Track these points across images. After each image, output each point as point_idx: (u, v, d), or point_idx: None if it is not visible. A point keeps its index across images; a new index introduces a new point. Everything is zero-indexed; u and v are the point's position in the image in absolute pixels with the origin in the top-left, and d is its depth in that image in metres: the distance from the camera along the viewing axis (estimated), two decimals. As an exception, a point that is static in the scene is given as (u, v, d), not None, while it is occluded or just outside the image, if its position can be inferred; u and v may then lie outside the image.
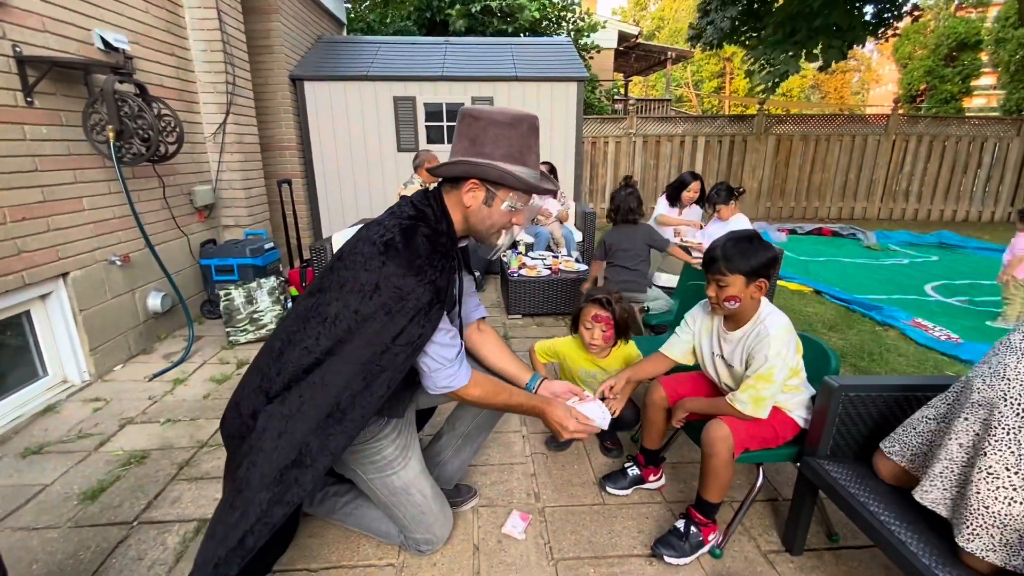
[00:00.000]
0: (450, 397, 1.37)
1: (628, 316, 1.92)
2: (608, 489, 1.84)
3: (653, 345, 2.38)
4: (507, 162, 1.24)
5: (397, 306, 1.18)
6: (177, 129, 3.05)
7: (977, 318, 3.95)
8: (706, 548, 1.57)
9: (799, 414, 1.56)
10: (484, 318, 1.65)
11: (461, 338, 1.39)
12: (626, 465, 1.88)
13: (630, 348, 2.02)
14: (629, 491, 1.84)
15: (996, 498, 1.06)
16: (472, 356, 1.61)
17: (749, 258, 1.46)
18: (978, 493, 1.08)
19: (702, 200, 3.91)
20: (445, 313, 1.28)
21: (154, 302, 3.14)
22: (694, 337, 1.73)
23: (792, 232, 7.52)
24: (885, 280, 5.09)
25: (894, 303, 4.22)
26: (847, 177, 8.56)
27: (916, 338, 3.45)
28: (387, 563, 1.53)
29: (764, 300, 1.56)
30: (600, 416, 1.45)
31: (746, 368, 1.53)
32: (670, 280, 3.45)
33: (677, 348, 1.75)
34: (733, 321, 1.58)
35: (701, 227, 3.84)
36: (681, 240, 3.69)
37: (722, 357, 1.63)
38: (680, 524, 1.57)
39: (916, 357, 3.16)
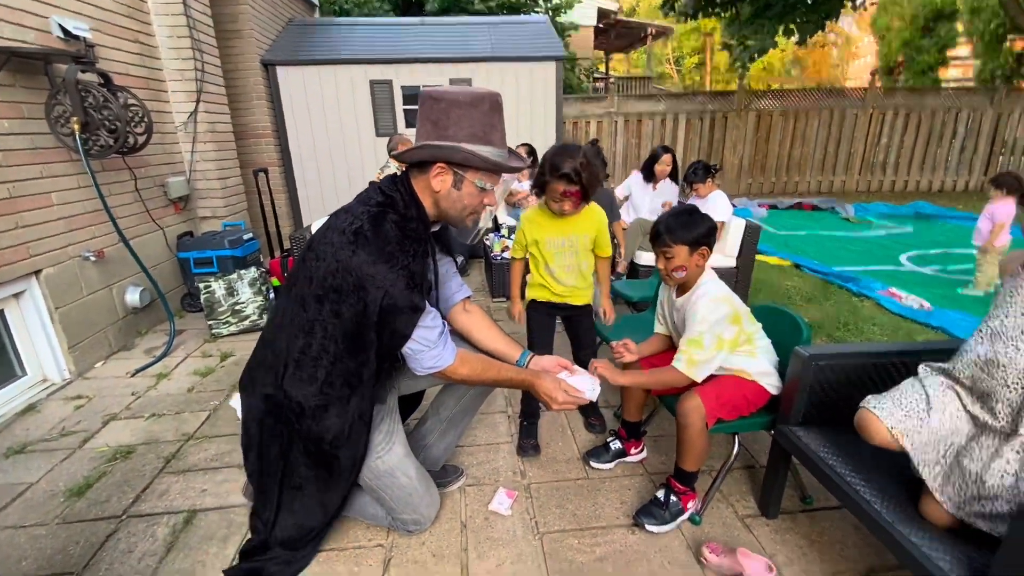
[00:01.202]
0: (439, 378, 1.39)
1: (593, 175, 1.77)
2: (591, 464, 1.89)
3: (636, 323, 2.43)
4: (472, 142, 1.24)
5: (371, 295, 1.20)
6: (145, 119, 2.98)
7: (948, 286, 4.06)
8: (686, 515, 1.62)
9: (769, 382, 1.61)
10: (469, 297, 1.66)
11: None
12: (608, 440, 1.93)
13: (596, 211, 1.95)
14: (612, 465, 1.90)
15: (994, 473, 1.10)
16: (461, 338, 1.63)
17: (690, 229, 1.55)
18: (975, 465, 1.13)
19: (676, 175, 3.93)
20: (423, 298, 1.30)
21: (132, 297, 3.10)
22: (661, 310, 1.80)
23: (772, 207, 7.61)
24: (862, 252, 5.19)
25: (870, 274, 4.32)
26: (826, 151, 8.65)
27: (890, 307, 3.55)
28: (376, 544, 1.56)
29: (708, 270, 1.63)
30: (590, 388, 1.48)
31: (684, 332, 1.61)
32: (651, 258, 3.49)
33: (659, 324, 1.83)
34: (682, 288, 1.66)
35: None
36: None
37: (675, 325, 1.71)
38: (660, 494, 1.63)
39: (890, 326, 3.25)
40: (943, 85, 12.29)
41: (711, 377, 1.62)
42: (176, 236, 3.62)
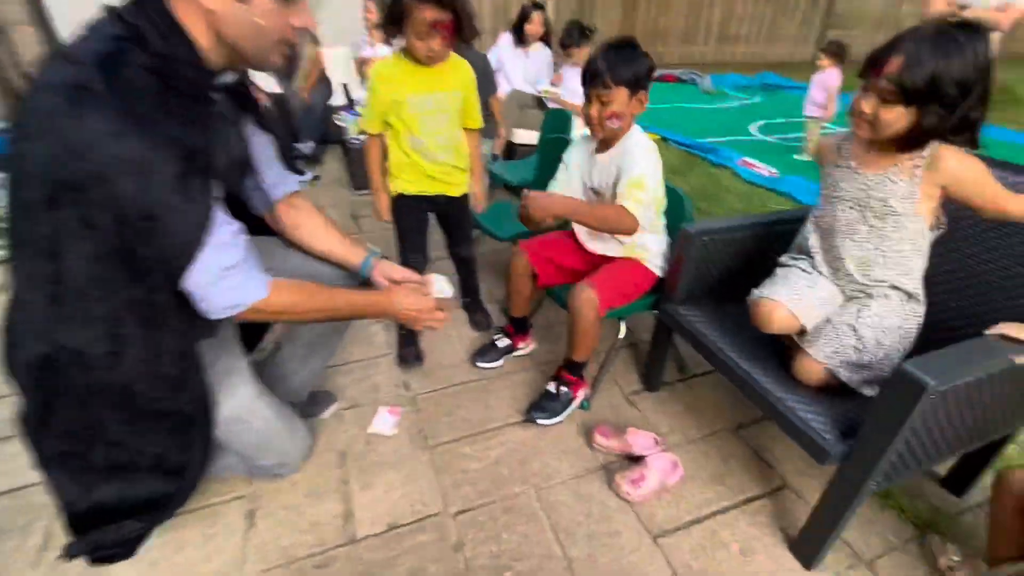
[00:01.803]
0: (244, 319, 1.03)
1: (467, 4, 1.44)
2: (479, 364, 1.78)
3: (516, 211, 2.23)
4: None
5: (121, 188, 0.80)
6: None
7: (789, 153, 4.44)
8: (576, 403, 1.61)
9: (657, 263, 1.55)
10: (297, 192, 1.30)
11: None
12: (495, 338, 1.81)
13: (464, 64, 1.60)
14: (501, 362, 1.80)
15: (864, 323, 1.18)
16: (287, 243, 1.29)
17: (632, 65, 1.33)
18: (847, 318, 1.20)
19: (549, 39, 3.57)
20: (213, 193, 0.91)
21: None
22: (570, 175, 1.59)
23: (641, 80, 7.57)
24: (720, 123, 5.43)
25: (727, 145, 4.55)
26: (687, 21, 8.64)
27: (744, 176, 3.78)
28: (235, 496, 1.32)
29: (634, 124, 1.46)
30: (446, 287, 1.29)
31: (616, 186, 1.43)
32: (529, 136, 3.23)
33: (565, 191, 1.59)
34: (603, 145, 1.47)
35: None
36: (543, 93, 3.39)
37: (593, 189, 1.54)
38: (551, 386, 1.58)
39: (745, 194, 3.48)
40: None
41: (603, 264, 1.52)
42: None
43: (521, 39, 3.47)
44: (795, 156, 4.31)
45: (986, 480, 1.35)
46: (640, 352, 1.90)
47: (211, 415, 1.13)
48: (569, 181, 1.58)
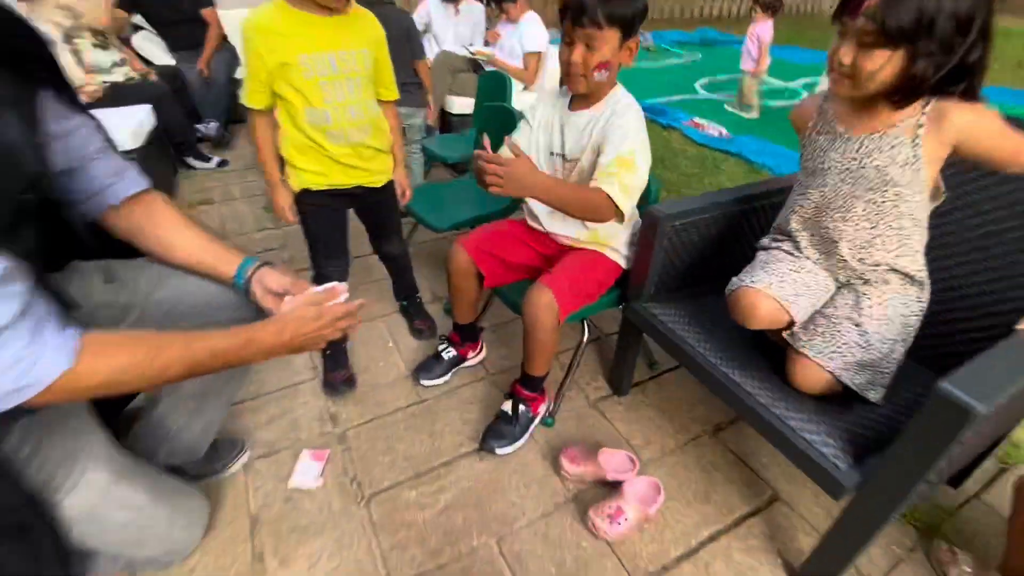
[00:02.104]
0: (55, 403, 0.68)
1: None
2: (423, 382, 1.51)
3: (456, 193, 1.94)
4: None
5: None
6: None
7: (731, 112, 4.30)
8: (537, 420, 1.38)
9: (623, 254, 1.32)
10: (147, 189, 0.96)
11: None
12: (440, 349, 1.54)
13: (370, 17, 1.28)
14: (448, 377, 1.54)
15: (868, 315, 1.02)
16: (141, 250, 0.96)
17: (629, 2, 1.05)
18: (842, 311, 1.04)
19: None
20: None
21: None
22: (532, 133, 1.30)
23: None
24: (667, 82, 5.23)
25: (675, 105, 4.36)
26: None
27: (695, 138, 3.61)
28: (109, 601, 1.02)
29: (618, 82, 1.20)
30: (343, 293, 0.95)
31: (598, 156, 1.16)
32: (465, 105, 2.89)
33: (522, 140, 1.30)
34: (583, 101, 1.20)
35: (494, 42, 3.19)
36: (477, 55, 3.03)
37: (562, 156, 1.26)
38: (507, 407, 1.34)
39: (698, 157, 3.31)
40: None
41: (560, 256, 1.28)
42: None
43: (449, -7, 3.08)
44: (726, 106, 4.27)
45: (984, 467, 1.24)
46: (605, 349, 1.69)
47: (51, 519, 0.82)
48: (531, 143, 1.30)
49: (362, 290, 1.92)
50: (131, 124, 2.35)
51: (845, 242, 1.03)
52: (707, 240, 1.29)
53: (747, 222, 1.32)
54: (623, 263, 1.33)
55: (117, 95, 2.65)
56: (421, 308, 1.77)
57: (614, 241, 1.30)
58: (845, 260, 1.04)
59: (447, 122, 3.01)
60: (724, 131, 3.63)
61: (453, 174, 2.90)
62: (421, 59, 2.38)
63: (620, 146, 1.11)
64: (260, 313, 0.97)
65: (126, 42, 3.21)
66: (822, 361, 0.99)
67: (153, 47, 3.41)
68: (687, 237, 1.24)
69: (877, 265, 1.03)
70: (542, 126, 1.29)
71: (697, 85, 5.15)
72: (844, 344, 1.00)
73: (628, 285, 1.33)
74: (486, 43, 3.15)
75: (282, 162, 1.34)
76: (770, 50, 3.91)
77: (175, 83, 3.11)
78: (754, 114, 4.14)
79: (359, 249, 1.73)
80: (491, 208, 1.83)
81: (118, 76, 2.78)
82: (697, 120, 3.82)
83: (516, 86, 2.58)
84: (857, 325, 1.01)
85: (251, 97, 1.23)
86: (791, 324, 1.05)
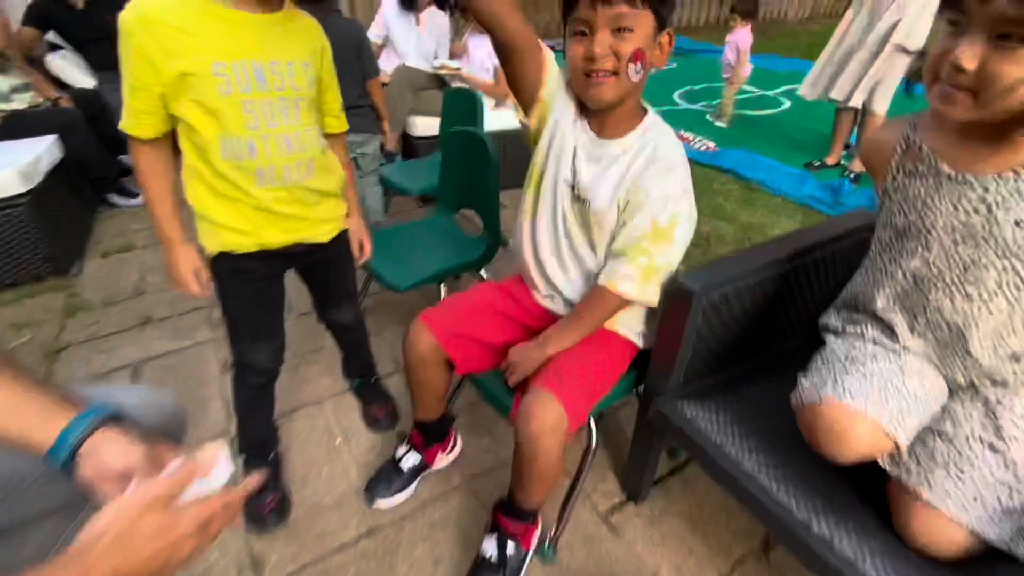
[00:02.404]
0: None
1: None
2: (378, 503, 1.14)
3: (430, 232, 1.55)
4: None
5: None
6: None
7: (712, 122, 4.07)
8: (531, 554, 1.03)
9: (639, 331, 0.99)
10: None
11: None
12: (398, 455, 1.17)
13: (313, 24, 0.95)
14: (411, 491, 1.17)
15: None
16: None
17: None
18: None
19: (443, 2, 2.86)
20: None
21: None
22: (545, 130, 0.95)
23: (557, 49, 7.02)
24: (645, 94, 5.00)
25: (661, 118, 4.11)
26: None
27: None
28: None
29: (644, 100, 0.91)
30: (225, 467, 0.59)
31: (622, 213, 0.88)
32: (430, 126, 2.54)
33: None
34: (607, 121, 0.89)
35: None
36: (442, 70, 2.70)
37: (573, 187, 0.92)
38: (489, 548, 0.98)
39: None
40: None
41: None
42: None
43: (410, 2, 2.74)
44: (707, 116, 4.06)
45: None
46: (611, 431, 1.35)
47: None
48: (543, 135, 0.96)
49: (306, 360, 1.54)
50: (23, 161, 1.93)
51: (974, 329, 0.72)
52: (749, 312, 0.97)
53: (796, 281, 1.01)
54: (639, 342, 1.00)
55: (16, 125, 2.24)
56: (378, 390, 1.40)
57: (628, 316, 0.97)
58: (972, 355, 0.73)
59: (410, 146, 2.66)
60: (711, 144, 3.38)
61: (419, 204, 2.55)
62: (374, 77, 2.04)
63: (660, 212, 0.83)
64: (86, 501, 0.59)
65: (38, 63, 2.79)
66: (955, 514, 0.67)
67: (72, 68, 2.99)
68: (727, 311, 0.92)
69: (1019, 360, 0.72)
70: (559, 126, 0.93)
71: (676, 95, 4.93)
72: (979, 480, 0.69)
73: (646, 369, 1.00)
74: (452, 56, 2.83)
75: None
76: (749, 58, 3.71)
77: (93, 108, 2.69)
78: (723, 122, 3.90)
79: (302, 304, 1.35)
80: (465, 257, 1.48)
81: (18, 104, 2.37)
82: (683, 133, 3.56)
83: (487, 103, 2.25)
84: (995, 451, 0.70)
85: (135, 122, 0.84)
86: (895, 452, 0.73)
